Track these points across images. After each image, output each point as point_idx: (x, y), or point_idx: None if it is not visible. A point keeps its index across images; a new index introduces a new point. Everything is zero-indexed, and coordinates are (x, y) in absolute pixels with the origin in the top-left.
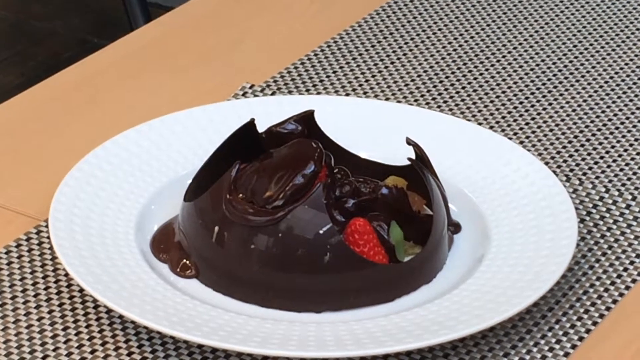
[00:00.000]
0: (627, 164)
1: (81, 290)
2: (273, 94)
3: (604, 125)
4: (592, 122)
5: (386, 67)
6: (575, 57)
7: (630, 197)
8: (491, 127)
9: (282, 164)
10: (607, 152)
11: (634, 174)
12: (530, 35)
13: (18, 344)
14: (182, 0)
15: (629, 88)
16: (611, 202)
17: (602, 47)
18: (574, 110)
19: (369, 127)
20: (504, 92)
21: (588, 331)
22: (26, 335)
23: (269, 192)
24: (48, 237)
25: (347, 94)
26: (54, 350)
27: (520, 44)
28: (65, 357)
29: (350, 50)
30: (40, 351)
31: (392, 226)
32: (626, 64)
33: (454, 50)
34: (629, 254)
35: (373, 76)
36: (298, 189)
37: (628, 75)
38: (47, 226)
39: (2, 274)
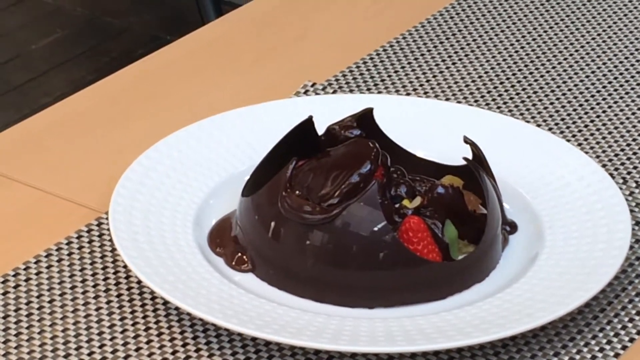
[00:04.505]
0: None
1: (139, 281)
2: (334, 92)
3: None
4: None
5: (447, 68)
6: (638, 61)
7: None
8: (550, 129)
9: (338, 162)
10: None
11: None
12: (593, 38)
13: (76, 333)
14: None
15: None
16: None
17: None
18: (633, 114)
19: (428, 127)
20: (564, 94)
21: (639, 332)
22: (84, 325)
23: (324, 190)
24: (108, 229)
25: (408, 94)
26: (110, 339)
27: (582, 46)
28: (121, 346)
29: (412, 50)
30: (97, 340)
31: (446, 225)
32: None
33: (516, 51)
34: None
35: (434, 76)
36: (354, 187)
37: None
38: (107, 218)
39: (62, 264)
